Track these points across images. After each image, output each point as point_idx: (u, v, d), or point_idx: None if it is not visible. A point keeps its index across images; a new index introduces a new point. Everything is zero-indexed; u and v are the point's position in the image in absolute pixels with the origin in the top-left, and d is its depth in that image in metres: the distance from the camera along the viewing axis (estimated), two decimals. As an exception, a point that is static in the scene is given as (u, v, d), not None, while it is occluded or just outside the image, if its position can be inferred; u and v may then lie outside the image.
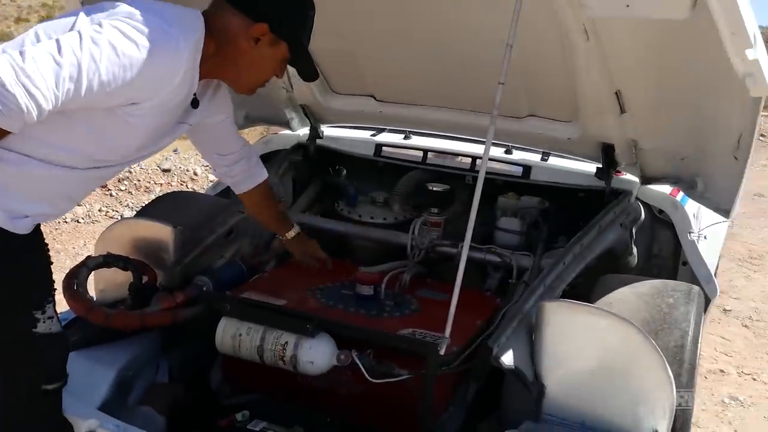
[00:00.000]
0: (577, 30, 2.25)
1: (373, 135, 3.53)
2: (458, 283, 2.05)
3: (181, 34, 1.70)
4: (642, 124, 2.62)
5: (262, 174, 2.46)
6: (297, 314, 2.27)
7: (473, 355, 2.24)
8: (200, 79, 1.86)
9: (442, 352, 2.09)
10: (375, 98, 3.13)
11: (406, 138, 3.45)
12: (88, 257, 2.55)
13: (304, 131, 3.49)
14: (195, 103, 1.95)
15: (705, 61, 2.16)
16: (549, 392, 2.07)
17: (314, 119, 3.36)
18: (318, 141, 3.41)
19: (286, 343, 2.18)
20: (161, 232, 2.61)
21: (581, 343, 2.06)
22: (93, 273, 2.52)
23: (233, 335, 2.26)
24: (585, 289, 2.51)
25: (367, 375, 2.13)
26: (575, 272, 2.43)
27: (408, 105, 3.08)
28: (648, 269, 2.95)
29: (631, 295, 2.35)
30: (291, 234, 2.62)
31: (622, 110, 2.57)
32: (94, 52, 1.56)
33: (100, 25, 1.60)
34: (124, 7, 1.66)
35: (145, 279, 2.53)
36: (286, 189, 3.20)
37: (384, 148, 3.34)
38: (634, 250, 2.84)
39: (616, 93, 2.51)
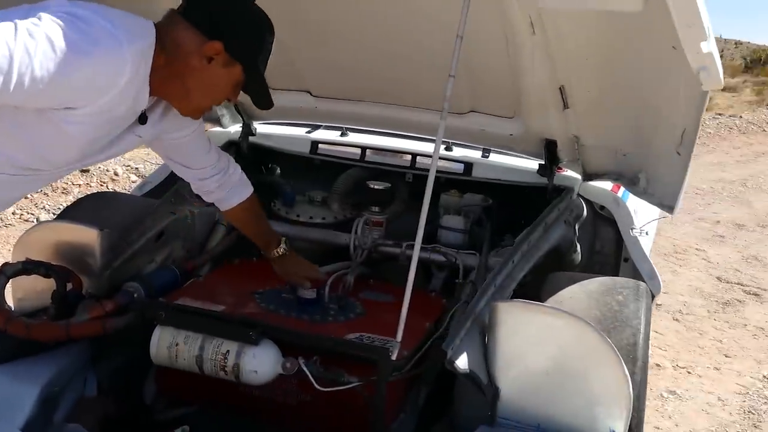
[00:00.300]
0: (523, 23, 2.21)
1: (309, 132, 3.41)
2: (410, 284, 1.96)
3: (126, 38, 1.56)
4: (584, 119, 2.60)
5: (247, 189, 2.35)
6: (238, 320, 2.14)
7: (425, 359, 2.16)
8: (151, 94, 1.73)
9: (393, 357, 2.00)
10: (311, 94, 3.02)
11: (342, 135, 3.34)
12: (5, 264, 2.35)
13: (235, 128, 3.34)
14: (143, 119, 1.83)
15: (652, 56, 2.15)
16: (503, 395, 2.01)
17: (246, 116, 3.22)
18: (251, 138, 3.27)
19: (228, 351, 2.05)
20: (86, 235, 2.43)
21: (536, 343, 2.00)
22: (11, 281, 2.34)
23: (169, 345, 2.11)
24: (533, 288, 2.48)
25: (315, 383, 2.02)
26: (524, 271, 2.38)
27: (346, 101, 2.99)
28: (590, 266, 2.94)
29: (581, 293, 2.32)
30: (279, 251, 2.48)
31: (566, 106, 2.55)
32: (29, 44, 1.40)
33: (39, 18, 1.45)
34: (68, 6, 1.52)
35: (69, 286, 2.35)
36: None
37: (320, 145, 3.23)
38: (578, 247, 2.83)
39: (560, 88, 2.49)
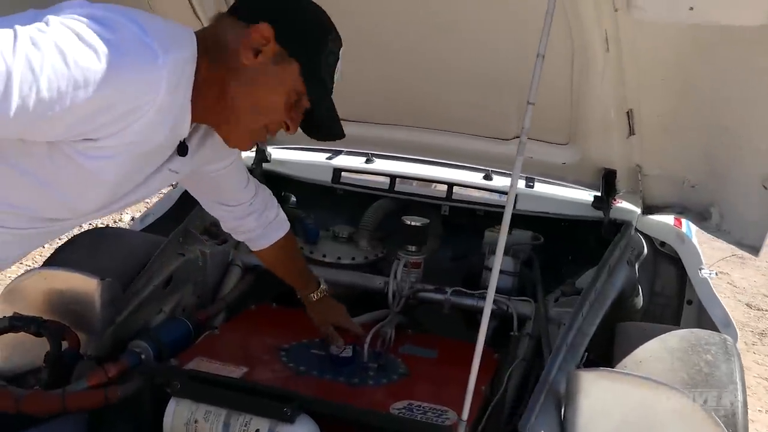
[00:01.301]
0: (596, 39, 1.92)
1: (329, 158, 3.08)
2: (479, 349, 1.62)
3: (162, 46, 1.21)
4: (650, 146, 2.31)
5: (284, 226, 2.05)
6: (270, 392, 1.80)
7: (491, 435, 1.84)
8: (193, 120, 1.38)
9: (459, 439, 1.67)
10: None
11: (368, 162, 3.01)
12: (-12, 321, 2.02)
13: (246, 154, 3.01)
14: (183, 150, 1.47)
15: (740, 75, 1.88)
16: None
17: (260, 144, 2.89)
18: (264, 165, 2.94)
19: (258, 431, 1.71)
20: (84, 285, 2.09)
21: (627, 418, 1.68)
22: (-5, 340, 2.00)
23: (187, 422, 1.77)
24: (598, 342, 2.15)
25: (364, 470, 1.69)
26: (594, 325, 2.06)
27: (374, 124, 2.66)
28: (650, 310, 2.63)
29: (662, 352, 2.01)
30: (317, 295, 2.19)
31: (631, 132, 2.25)
32: (33, 57, 1.07)
33: (47, 23, 1.11)
34: (86, 7, 1.18)
35: (64, 345, 2.01)
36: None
37: (344, 173, 2.90)
38: (640, 290, 2.51)
39: (627, 112, 2.19)
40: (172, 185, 2.97)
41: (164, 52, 1.20)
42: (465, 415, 1.66)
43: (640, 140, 2.28)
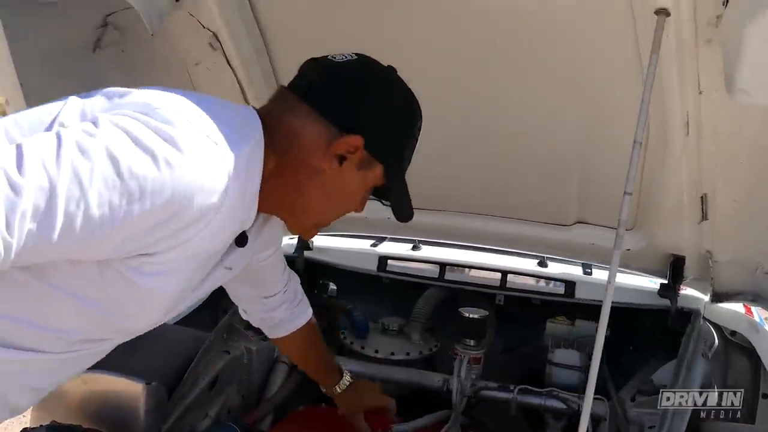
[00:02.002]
0: (679, 122, 1.82)
1: (373, 245, 2.95)
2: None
3: (228, 140, 1.06)
4: (723, 232, 2.19)
5: (306, 312, 1.86)
6: None
7: None
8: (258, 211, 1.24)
9: None
10: (382, 202, 2.57)
11: (414, 249, 2.88)
12: (25, 430, 1.86)
13: (285, 241, 2.88)
14: (242, 241, 1.31)
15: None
16: None
17: (296, 231, 2.77)
18: (307, 253, 2.81)
19: None
20: (128, 389, 1.94)
21: None
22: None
23: None
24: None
25: None
26: (683, 427, 1.89)
27: (425, 210, 2.54)
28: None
29: (756, 456, 1.83)
30: (342, 386, 1.99)
31: (704, 217, 2.13)
32: (80, 167, 0.91)
33: (95, 123, 0.97)
34: (139, 95, 1.04)
35: (105, 455, 1.85)
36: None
37: (390, 261, 2.76)
38: (714, 383, 2.34)
39: (701, 197, 2.08)
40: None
41: (230, 147, 1.05)
42: None
43: (712, 225, 2.16)
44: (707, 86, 1.68)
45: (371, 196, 1.42)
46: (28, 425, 1.90)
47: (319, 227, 1.40)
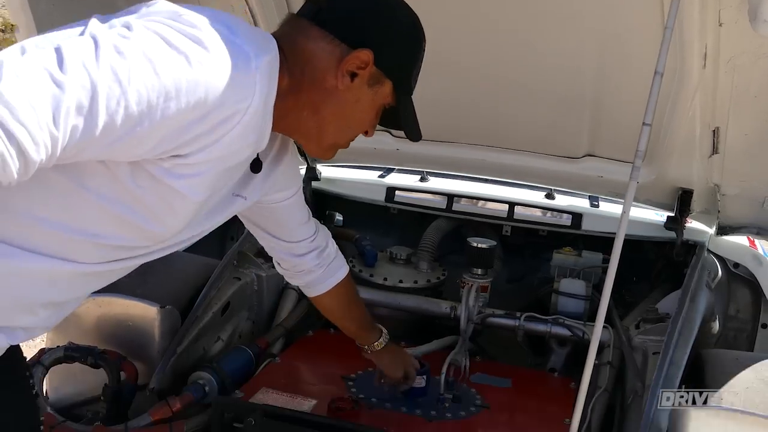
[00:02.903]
0: (696, 54, 1.80)
1: (381, 176, 2.96)
2: (584, 387, 1.50)
3: (253, 49, 1.08)
4: (732, 166, 2.20)
5: (342, 268, 1.82)
6: (352, 429, 1.68)
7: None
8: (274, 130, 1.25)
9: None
10: (392, 134, 2.58)
11: (422, 180, 2.89)
12: (42, 351, 1.91)
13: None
14: (256, 166, 1.34)
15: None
16: None
17: (311, 158, 2.77)
18: (315, 183, 2.82)
19: (341, 472, 1.60)
20: (143, 313, 1.98)
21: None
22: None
23: (262, 461, 1.65)
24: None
25: None
26: (686, 355, 1.93)
27: (434, 142, 2.55)
28: (723, 334, 2.50)
29: (758, 382, 1.87)
30: (381, 343, 1.94)
31: (715, 151, 2.14)
32: (119, 67, 0.93)
33: (128, 27, 0.99)
34: (164, 4, 1.05)
35: (122, 376, 1.89)
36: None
37: (398, 192, 2.77)
38: (716, 314, 2.39)
39: (714, 131, 2.08)
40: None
41: (255, 54, 1.08)
42: (569, 457, 1.54)
43: (722, 159, 2.17)
44: (728, 18, 1.66)
45: (381, 128, 1.44)
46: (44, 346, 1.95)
47: (337, 148, 1.42)
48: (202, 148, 1.08)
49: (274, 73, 1.15)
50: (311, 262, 1.74)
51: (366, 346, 1.94)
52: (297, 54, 1.24)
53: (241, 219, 1.68)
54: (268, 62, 1.11)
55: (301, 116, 1.30)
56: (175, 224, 1.21)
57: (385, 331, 1.95)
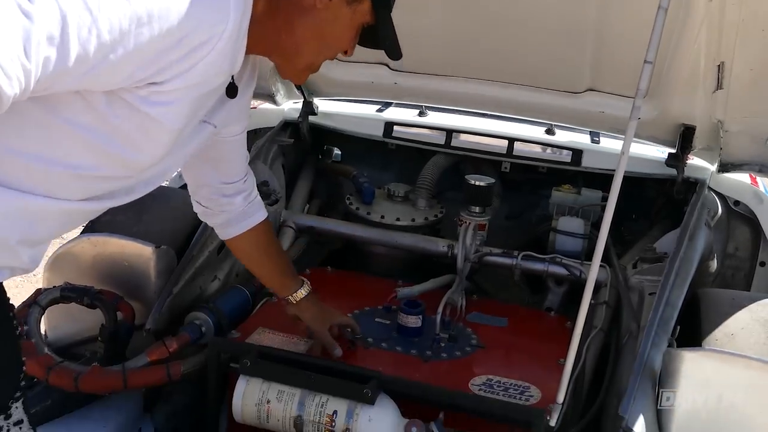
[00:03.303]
0: (702, -13, 1.74)
1: (379, 111, 2.90)
2: (578, 329, 1.49)
3: None
4: (735, 102, 2.14)
5: (260, 212, 1.77)
6: (347, 370, 1.69)
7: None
8: (246, 53, 1.24)
9: (554, 423, 1.57)
10: (389, 67, 2.52)
11: (421, 114, 2.83)
12: (38, 291, 1.91)
13: (290, 105, 2.84)
14: (232, 91, 1.33)
15: None
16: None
17: (308, 91, 2.71)
18: (312, 118, 2.77)
19: (335, 412, 1.61)
20: (138, 253, 1.97)
21: (733, 401, 1.58)
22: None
23: (258, 402, 1.66)
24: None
25: (451, 455, 1.59)
26: (683, 295, 1.93)
27: (431, 76, 2.49)
28: (721, 272, 2.49)
29: (754, 323, 1.88)
30: (303, 292, 1.85)
31: (719, 86, 2.08)
32: None
33: None
34: None
35: (119, 316, 1.90)
36: (279, 181, 2.54)
37: (396, 127, 2.72)
38: (715, 252, 2.37)
39: (719, 65, 2.02)
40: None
41: None
42: (561, 398, 1.55)
43: (727, 95, 2.12)
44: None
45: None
46: (40, 286, 1.95)
47: (311, 70, 1.43)
48: (178, 74, 1.08)
49: None
50: (240, 202, 1.70)
51: (287, 297, 1.84)
52: None
53: None
54: None
55: (277, 36, 1.31)
56: (154, 152, 1.21)
57: (308, 282, 1.87)
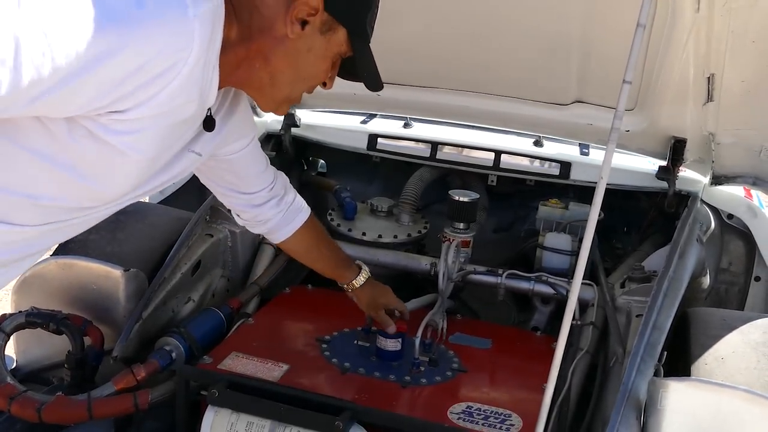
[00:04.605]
0: (689, -4, 1.67)
1: (363, 122, 2.83)
2: (558, 355, 1.42)
3: None
4: (727, 114, 2.08)
5: (303, 211, 1.80)
6: (318, 401, 1.62)
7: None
8: (220, 87, 1.19)
9: (533, 458, 1.50)
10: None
11: (406, 126, 2.77)
12: (3, 316, 1.84)
13: (271, 117, 2.77)
14: (210, 125, 1.29)
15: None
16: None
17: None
18: (294, 130, 2.70)
19: (306, 445, 1.55)
20: (107, 276, 1.91)
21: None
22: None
23: (226, 434, 1.60)
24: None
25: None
26: (671, 318, 1.85)
27: (416, 87, 2.43)
28: (714, 287, 2.42)
29: (745, 347, 1.80)
30: (361, 280, 1.93)
31: (710, 98, 2.02)
32: (43, 17, 0.88)
33: None
34: None
35: (87, 340, 1.83)
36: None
37: (380, 139, 2.65)
38: (707, 268, 2.30)
39: (708, 77, 1.95)
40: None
41: (193, 2, 1.01)
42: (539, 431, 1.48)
43: (717, 107, 2.05)
44: (722, -42, 1.53)
45: (340, 76, 1.37)
46: (7, 312, 1.89)
47: (290, 102, 1.38)
48: (141, 102, 1.03)
49: (217, 22, 1.09)
50: (271, 211, 1.72)
51: (345, 285, 1.93)
52: (243, 1, 1.18)
53: (197, 174, 1.62)
54: (209, 10, 1.04)
55: (252, 67, 1.25)
56: (121, 183, 1.17)
57: (365, 267, 1.95)
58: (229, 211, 2.25)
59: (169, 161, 1.28)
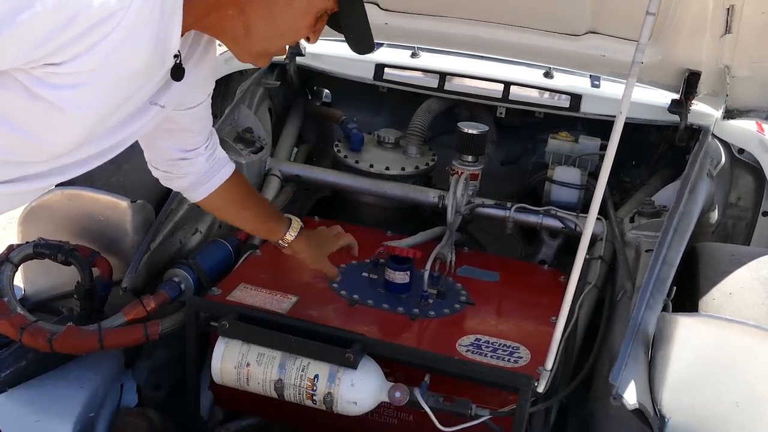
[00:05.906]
0: None
1: (370, 51, 2.77)
2: (571, 287, 1.42)
3: None
4: (745, 47, 2.04)
5: (227, 166, 1.66)
6: (329, 333, 1.62)
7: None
8: (183, 32, 1.12)
9: (541, 389, 1.51)
10: (380, 6, 2.39)
11: (413, 56, 2.70)
12: (10, 247, 1.83)
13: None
14: (178, 74, 1.19)
15: None
16: (674, 427, 1.54)
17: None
18: (299, 59, 2.64)
19: (316, 376, 1.56)
20: (114, 207, 1.89)
21: (727, 368, 1.52)
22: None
23: (238, 364, 1.61)
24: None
25: (435, 421, 1.54)
26: (680, 253, 1.85)
27: (425, 16, 2.36)
28: (721, 221, 2.41)
29: (754, 282, 1.80)
30: (292, 234, 1.76)
31: (728, 30, 1.97)
32: None
33: None
34: None
35: (95, 271, 1.83)
36: (264, 127, 2.43)
37: (387, 69, 2.59)
38: (716, 203, 2.29)
39: (728, 9, 1.90)
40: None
41: None
42: (549, 365, 1.50)
43: (735, 39, 2.01)
44: None
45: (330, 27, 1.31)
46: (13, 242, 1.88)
47: (269, 55, 1.31)
48: (76, 55, 0.97)
49: None
50: (203, 163, 1.59)
51: (280, 241, 1.77)
52: None
53: None
54: None
55: (224, 15, 1.18)
56: (66, 137, 1.10)
57: (296, 220, 1.79)
58: (242, 142, 2.23)
59: (132, 114, 1.21)
